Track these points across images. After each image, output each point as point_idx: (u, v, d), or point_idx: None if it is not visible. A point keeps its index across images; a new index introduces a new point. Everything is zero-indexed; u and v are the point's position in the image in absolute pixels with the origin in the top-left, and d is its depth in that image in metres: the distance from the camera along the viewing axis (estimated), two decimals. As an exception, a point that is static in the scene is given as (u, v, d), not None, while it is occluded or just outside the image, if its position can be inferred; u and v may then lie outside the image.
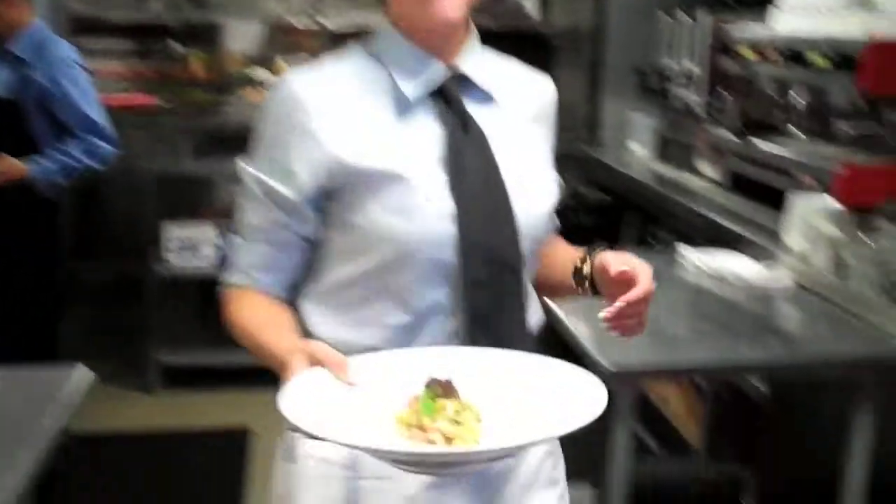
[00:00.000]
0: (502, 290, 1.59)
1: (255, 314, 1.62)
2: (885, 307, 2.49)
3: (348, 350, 1.47)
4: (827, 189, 3.06)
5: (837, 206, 2.95)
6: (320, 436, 1.31)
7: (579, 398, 1.39)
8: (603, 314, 1.54)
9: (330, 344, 1.48)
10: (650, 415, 3.81)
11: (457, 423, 1.38)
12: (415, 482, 1.57)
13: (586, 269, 1.66)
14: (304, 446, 1.61)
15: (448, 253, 1.54)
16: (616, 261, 1.56)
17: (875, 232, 2.76)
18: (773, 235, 3.21)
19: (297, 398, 1.36)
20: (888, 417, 2.39)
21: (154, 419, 4.58)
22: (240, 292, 1.65)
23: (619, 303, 1.52)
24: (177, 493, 3.97)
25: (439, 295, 1.56)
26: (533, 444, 1.40)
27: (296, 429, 1.36)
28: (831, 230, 2.87)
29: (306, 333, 1.60)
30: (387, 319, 1.58)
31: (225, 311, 1.66)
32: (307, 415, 1.33)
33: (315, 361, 1.42)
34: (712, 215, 3.67)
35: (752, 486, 3.19)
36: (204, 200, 5.19)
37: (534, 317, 1.69)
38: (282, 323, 1.59)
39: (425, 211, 1.53)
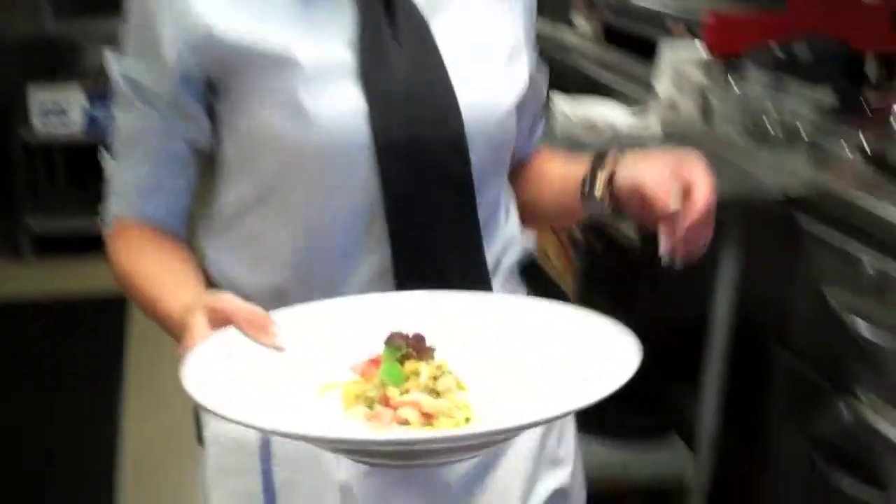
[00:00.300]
0: (441, 212, 1.23)
1: (142, 257, 1.29)
2: (751, 150, 2.53)
3: (254, 294, 1.16)
4: (697, 38, 3.07)
5: (706, 53, 2.97)
6: (254, 426, 0.96)
7: (598, 351, 1.04)
8: (662, 252, 1.20)
9: (234, 288, 1.20)
10: (529, 270, 3.84)
11: (435, 393, 1.02)
12: (347, 470, 1.23)
13: (598, 191, 1.29)
14: (210, 427, 1.31)
15: (363, 163, 1.20)
16: (652, 179, 1.22)
17: (741, 78, 2.79)
18: (646, 86, 3.22)
19: (204, 374, 0.99)
20: (752, 256, 2.45)
21: (27, 287, 4.50)
22: (121, 228, 1.33)
23: (677, 234, 1.19)
24: (53, 363, 3.92)
25: (360, 221, 1.22)
26: (553, 418, 1.00)
27: (215, 415, 0.98)
28: (699, 77, 2.89)
29: (208, 277, 1.31)
30: (298, 254, 1.25)
31: (108, 253, 1.33)
32: (227, 397, 0.96)
33: (222, 320, 1.07)
34: (587, 68, 3.66)
35: (626, 332, 3.26)
36: (71, 63, 5.02)
37: (507, 251, 1.36)
38: (175, 268, 1.26)
39: (325, 107, 1.19)
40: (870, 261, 2.03)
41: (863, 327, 2.02)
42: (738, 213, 2.44)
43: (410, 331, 1.06)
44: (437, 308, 1.14)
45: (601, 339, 1.05)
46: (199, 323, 1.06)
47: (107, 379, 3.76)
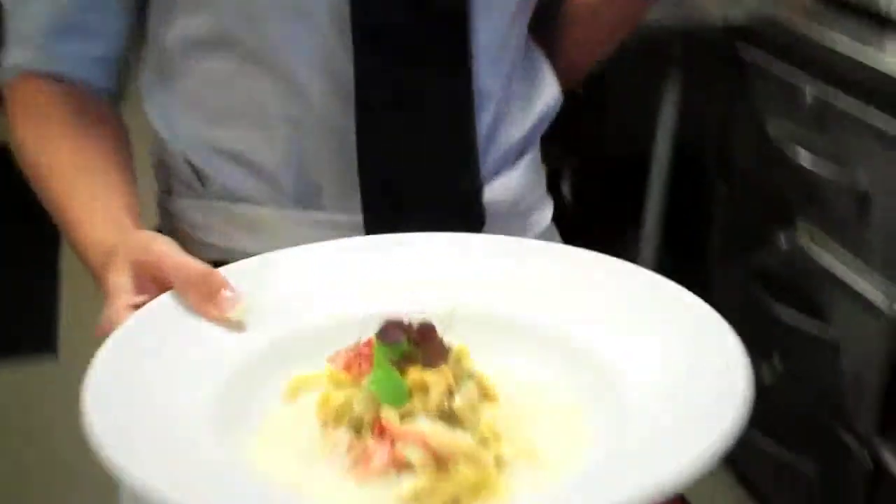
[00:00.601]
0: (426, 55, 0.94)
1: (55, 150, 0.93)
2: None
3: (205, 156, 0.95)
4: None
5: None
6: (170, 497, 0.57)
7: (691, 346, 0.73)
8: None
9: (184, 152, 0.96)
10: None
11: (450, 415, 0.65)
12: None
13: None
14: None
15: None
16: None
17: None
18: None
19: (109, 383, 0.65)
20: (692, 86, 2.42)
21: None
22: (28, 90, 0.98)
23: None
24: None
25: (333, 62, 0.94)
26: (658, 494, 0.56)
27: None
28: None
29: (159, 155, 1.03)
30: (264, 106, 0.97)
31: (9, 123, 0.98)
32: (135, 433, 0.62)
33: (152, 278, 0.75)
34: None
35: (570, 174, 3.24)
36: None
37: (536, 130, 1.10)
38: (100, 179, 0.92)
39: None
40: (810, 90, 2.00)
41: (803, 157, 2.01)
42: (680, 43, 2.41)
43: (412, 308, 0.71)
44: (450, 261, 0.80)
45: (688, 322, 0.75)
46: (123, 285, 0.74)
47: (45, 244, 3.73)
